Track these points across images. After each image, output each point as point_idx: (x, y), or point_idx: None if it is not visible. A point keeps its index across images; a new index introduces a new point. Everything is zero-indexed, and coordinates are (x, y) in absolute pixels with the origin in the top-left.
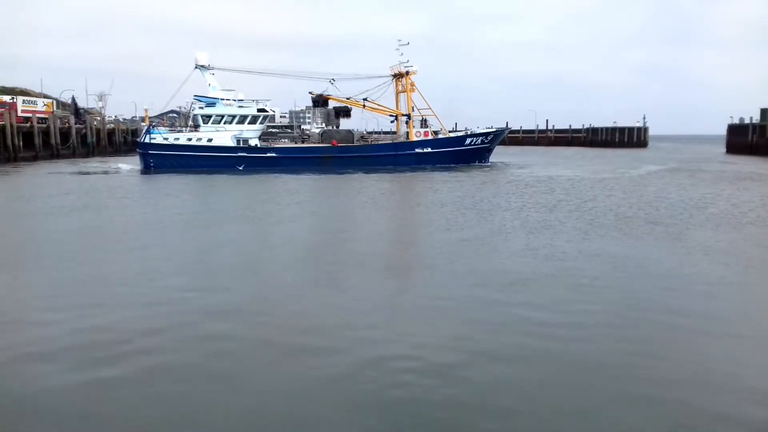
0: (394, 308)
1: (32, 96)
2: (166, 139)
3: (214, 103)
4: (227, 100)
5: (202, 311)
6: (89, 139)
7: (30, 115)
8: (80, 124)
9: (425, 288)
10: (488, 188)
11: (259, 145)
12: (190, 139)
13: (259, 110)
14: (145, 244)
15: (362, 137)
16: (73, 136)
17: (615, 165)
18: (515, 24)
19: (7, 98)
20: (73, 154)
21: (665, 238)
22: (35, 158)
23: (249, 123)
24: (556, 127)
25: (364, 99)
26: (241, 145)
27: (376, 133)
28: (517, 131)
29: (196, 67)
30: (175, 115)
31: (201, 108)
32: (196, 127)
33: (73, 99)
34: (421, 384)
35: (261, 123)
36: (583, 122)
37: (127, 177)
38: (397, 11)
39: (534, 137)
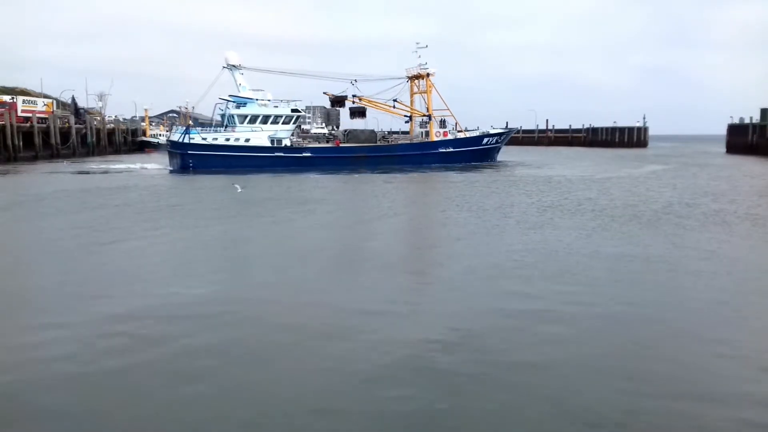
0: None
1: (32, 96)
2: (204, 139)
3: (245, 103)
4: (261, 100)
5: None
6: (89, 139)
7: (30, 115)
8: (80, 124)
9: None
10: (514, 187)
11: (292, 145)
12: (228, 140)
13: (292, 110)
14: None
15: (383, 137)
16: (73, 136)
17: (618, 165)
18: (517, 27)
19: (7, 98)
20: (73, 154)
21: (677, 236)
22: (35, 158)
23: (283, 123)
24: (556, 127)
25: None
26: (275, 145)
27: (395, 133)
28: (518, 131)
29: (224, 67)
30: (175, 115)
31: (237, 107)
32: (224, 127)
33: (73, 99)
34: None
35: (294, 123)
36: (583, 122)
37: (183, 179)
38: (408, 15)
39: (534, 137)
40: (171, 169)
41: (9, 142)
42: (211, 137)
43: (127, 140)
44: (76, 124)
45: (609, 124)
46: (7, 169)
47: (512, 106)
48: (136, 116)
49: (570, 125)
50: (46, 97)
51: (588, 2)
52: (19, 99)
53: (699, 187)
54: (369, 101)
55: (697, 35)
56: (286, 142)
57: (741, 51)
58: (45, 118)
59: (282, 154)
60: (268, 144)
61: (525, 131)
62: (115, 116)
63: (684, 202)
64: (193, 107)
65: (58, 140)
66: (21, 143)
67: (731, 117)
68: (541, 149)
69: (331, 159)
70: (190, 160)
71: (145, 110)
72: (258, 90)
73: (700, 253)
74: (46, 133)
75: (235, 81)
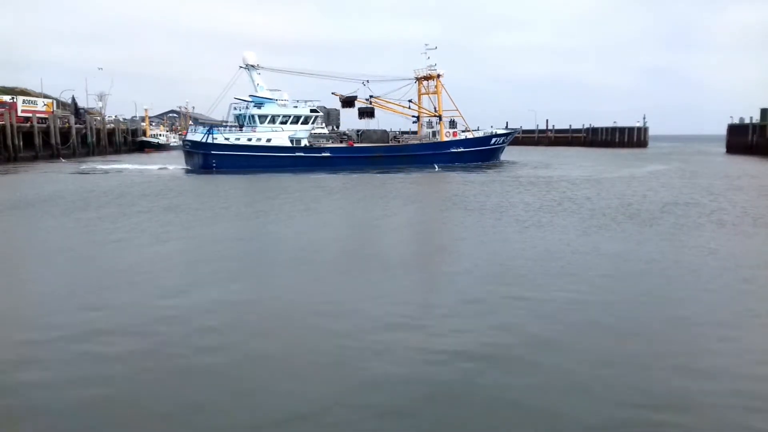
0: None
1: (32, 96)
2: (227, 139)
3: (263, 103)
4: (281, 100)
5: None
6: (89, 139)
7: (30, 115)
8: (80, 124)
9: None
10: (520, 187)
11: (311, 145)
12: (250, 140)
13: (311, 110)
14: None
15: (395, 137)
16: (73, 136)
17: (618, 165)
18: (518, 28)
19: (7, 98)
20: (73, 154)
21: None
22: (35, 158)
23: (302, 123)
24: (556, 127)
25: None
26: (295, 145)
27: (405, 133)
28: (518, 131)
29: (241, 67)
30: (175, 115)
31: (257, 108)
32: (241, 127)
33: (73, 99)
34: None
35: (312, 123)
36: (583, 122)
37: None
38: (409, 18)
39: (534, 137)
40: (188, 168)
41: (9, 142)
42: (233, 137)
43: (127, 140)
44: (76, 124)
45: (609, 124)
46: (7, 169)
47: (512, 107)
48: (136, 116)
49: (570, 125)
50: (46, 97)
51: (588, 3)
52: (19, 99)
53: (699, 186)
54: (381, 101)
55: (697, 36)
56: (305, 142)
57: (741, 52)
58: (45, 118)
59: (302, 154)
60: (289, 144)
61: (525, 131)
62: (115, 116)
63: (684, 201)
64: (194, 107)
65: (58, 140)
66: (21, 143)
67: (731, 117)
68: (541, 149)
69: (349, 159)
70: (213, 160)
71: (145, 110)
72: (275, 90)
73: (700, 251)
74: (46, 133)
75: (253, 81)
